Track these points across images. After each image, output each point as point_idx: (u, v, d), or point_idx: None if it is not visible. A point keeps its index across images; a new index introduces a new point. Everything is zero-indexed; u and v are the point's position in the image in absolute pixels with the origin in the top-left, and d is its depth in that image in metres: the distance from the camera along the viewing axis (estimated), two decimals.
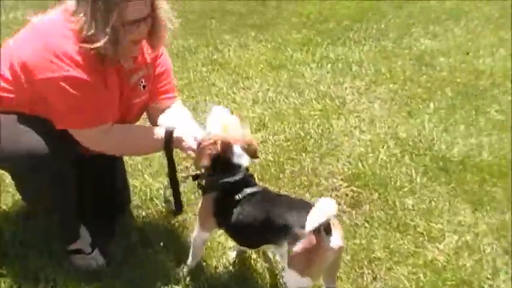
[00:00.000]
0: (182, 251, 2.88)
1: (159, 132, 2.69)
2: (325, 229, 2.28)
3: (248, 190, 2.58)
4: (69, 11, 2.40)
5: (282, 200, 2.63)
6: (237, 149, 2.56)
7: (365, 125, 4.27)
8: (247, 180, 2.63)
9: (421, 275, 2.80)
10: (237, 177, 2.59)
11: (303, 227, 2.29)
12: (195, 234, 2.76)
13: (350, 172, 3.63)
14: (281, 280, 2.75)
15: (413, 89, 4.87)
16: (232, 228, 2.63)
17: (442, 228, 3.13)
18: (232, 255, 2.94)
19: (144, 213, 3.25)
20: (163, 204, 3.28)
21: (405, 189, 3.45)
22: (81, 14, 2.35)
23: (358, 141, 4.03)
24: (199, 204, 2.74)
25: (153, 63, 2.80)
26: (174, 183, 2.87)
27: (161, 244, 2.97)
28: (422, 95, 4.75)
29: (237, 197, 2.57)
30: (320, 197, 2.34)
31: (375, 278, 2.82)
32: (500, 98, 4.69)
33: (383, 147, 3.92)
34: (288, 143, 3.99)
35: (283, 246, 2.42)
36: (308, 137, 4.05)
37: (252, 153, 2.62)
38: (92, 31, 2.34)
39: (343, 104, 4.59)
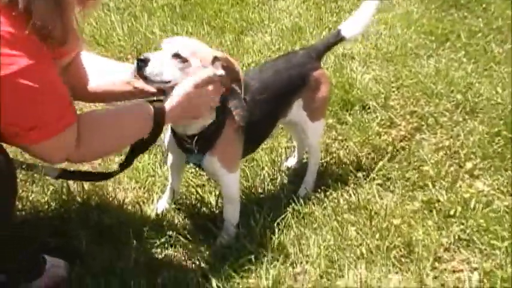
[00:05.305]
0: None
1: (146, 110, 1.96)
2: None
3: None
4: None
5: (274, 65, 2.46)
6: None
7: None
8: None
9: None
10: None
11: (316, 68, 2.46)
12: (233, 186, 2.32)
13: None
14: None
15: None
16: (255, 123, 2.27)
17: None
18: None
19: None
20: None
21: None
22: None
23: None
24: (223, 150, 2.19)
25: None
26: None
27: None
28: None
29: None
30: None
31: None
32: None
33: None
34: None
35: (295, 107, 2.43)
36: None
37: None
38: None
39: None
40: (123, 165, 2.18)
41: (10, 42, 1.57)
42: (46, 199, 2.49)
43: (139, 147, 2.09)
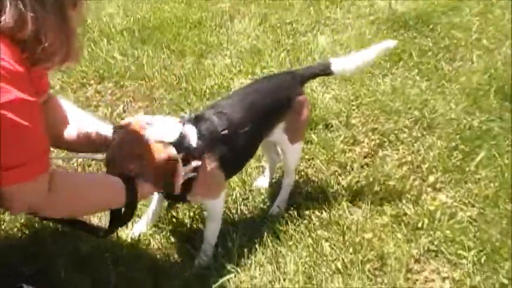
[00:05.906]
0: None
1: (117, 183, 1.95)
2: None
3: (215, 118, 2.27)
4: None
5: (259, 88, 2.51)
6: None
7: None
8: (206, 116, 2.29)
9: None
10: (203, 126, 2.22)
11: (300, 93, 2.54)
12: (218, 208, 2.38)
13: None
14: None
15: None
16: (237, 153, 2.32)
17: None
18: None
19: None
20: None
21: None
22: None
23: None
24: (204, 181, 2.18)
25: None
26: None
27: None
28: None
29: (223, 131, 2.24)
30: None
31: None
32: None
33: None
34: None
35: (277, 130, 2.47)
36: None
37: None
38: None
39: None
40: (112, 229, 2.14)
41: (5, 78, 1.48)
42: (19, 226, 2.45)
43: (118, 218, 2.06)
